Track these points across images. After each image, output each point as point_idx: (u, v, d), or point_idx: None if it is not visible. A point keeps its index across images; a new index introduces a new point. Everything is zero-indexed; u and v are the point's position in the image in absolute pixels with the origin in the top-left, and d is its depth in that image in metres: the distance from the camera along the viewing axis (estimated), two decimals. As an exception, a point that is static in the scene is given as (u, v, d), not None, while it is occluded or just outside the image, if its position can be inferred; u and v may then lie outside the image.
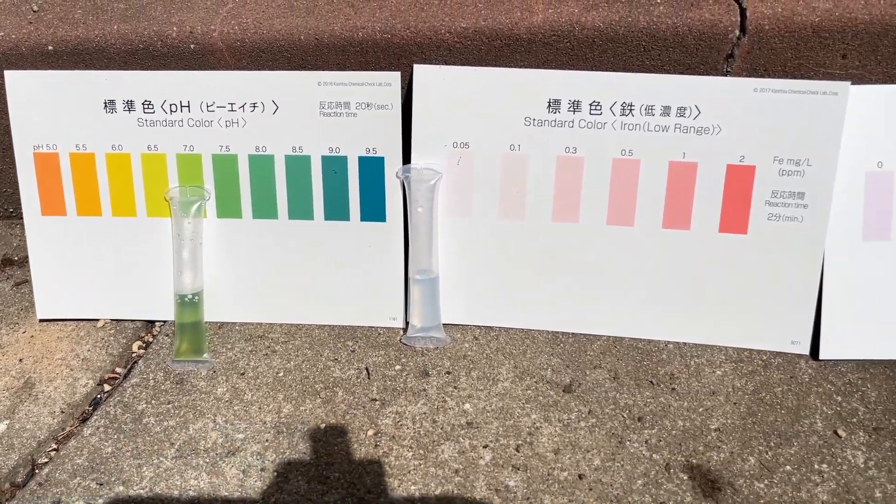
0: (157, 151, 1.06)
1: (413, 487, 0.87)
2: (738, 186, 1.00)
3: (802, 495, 0.87)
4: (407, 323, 1.09)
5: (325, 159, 1.05)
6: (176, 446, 0.94)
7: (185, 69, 1.10)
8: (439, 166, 1.04)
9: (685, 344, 1.07)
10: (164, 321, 1.13)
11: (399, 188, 1.05)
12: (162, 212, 1.07)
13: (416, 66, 1.02)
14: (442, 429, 0.95)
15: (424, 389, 1.01)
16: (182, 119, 1.04)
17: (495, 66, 1.06)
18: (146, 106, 1.04)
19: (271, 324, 1.12)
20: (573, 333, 1.09)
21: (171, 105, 1.04)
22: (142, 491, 0.88)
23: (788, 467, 0.90)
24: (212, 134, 1.04)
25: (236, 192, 1.06)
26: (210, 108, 1.03)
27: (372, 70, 1.09)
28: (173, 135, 1.05)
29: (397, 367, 1.04)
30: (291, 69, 1.10)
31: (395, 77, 1.01)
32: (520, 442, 0.93)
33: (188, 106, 1.04)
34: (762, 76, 1.05)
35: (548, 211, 1.04)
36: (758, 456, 0.91)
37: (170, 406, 0.99)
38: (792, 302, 1.03)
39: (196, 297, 1.06)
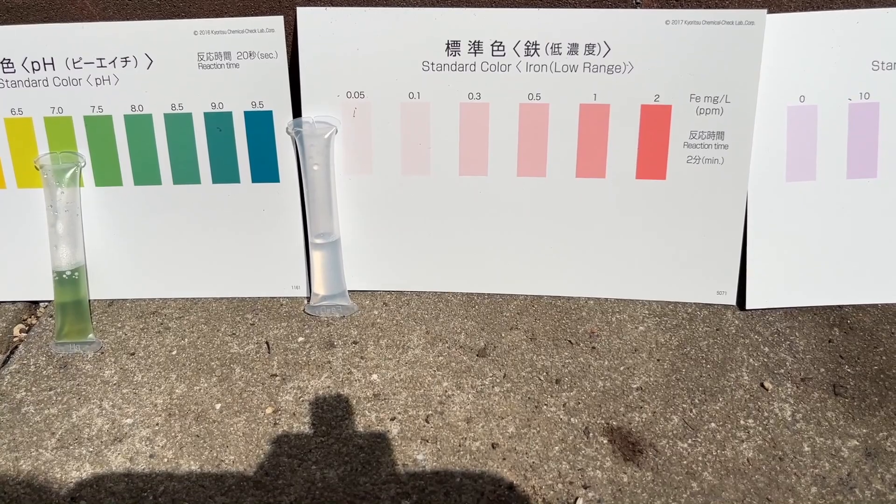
0: (21, 115, 0.96)
1: (314, 468, 0.81)
2: (654, 128, 0.94)
3: (727, 453, 0.82)
4: (311, 291, 1.02)
5: (207, 116, 0.96)
6: (57, 436, 0.86)
7: (45, 22, 1.00)
8: (333, 119, 0.96)
9: (606, 300, 1.02)
10: (49, 301, 1.05)
11: (291, 145, 0.97)
12: (35, 182, 0.98)
13: (299, 9, 0.93)
14: (347, 403, 0.89)
15: (329, 362, 0.94)
16: (47, 78, 0.94)
17: (387, 5, 0.97)
18: (5, 65, 0.94)
19: (165, 299, 1.04)
20: (489, 294, 1.03)
21: (32, 63, 0.94)
22: (18, 486, 0.81)
23: (713, 424, 0.85)
24: (81, 93, 0.95)
25: (114, 157, 0.98)
26: (77, 65, 0.94)
27: (252, 15, 1.00)
28: (38, 96, 0.95)
29: (300, 340, 0.97)
30: (163, 18, 1.00)
31: (277, 22, 0.93)
32: (430, 412, 0.87)
33: (52, 63, 0.94)
34: (674, 7, 0.98)
35: (454, 164, 0.97)
36: (681, 414, 0.86)
37: (52, 393, 0.91)
38: (716, 250, 0.97)
39: (76, 274, 0.97)
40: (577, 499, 0.78)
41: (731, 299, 0.99)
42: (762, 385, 0.89)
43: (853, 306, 0.99)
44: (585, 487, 0.79)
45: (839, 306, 0.99)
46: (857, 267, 0.97)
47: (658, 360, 0.93)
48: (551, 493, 0.78)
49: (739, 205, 0.96)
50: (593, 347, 0.95)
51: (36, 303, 1.05)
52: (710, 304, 1.00)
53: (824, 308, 0.99)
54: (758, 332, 0.96)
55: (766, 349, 0.94)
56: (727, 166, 0.94)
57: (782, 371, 0.91)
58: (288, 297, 1.03)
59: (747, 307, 0.98)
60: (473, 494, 0.78)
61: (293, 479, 0.80)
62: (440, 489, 0.79)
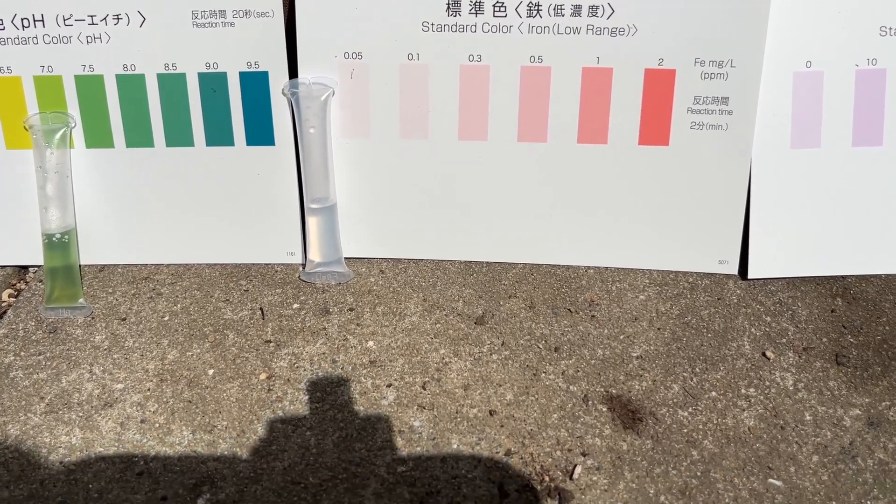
0: (10, 74, 0.93)
1: (308, 434, 0.80)
2: (657, 93, 0.92)
3: (728, 422, 0.81)
4: (306, 258, 1.00)
5: (202, 77, 0.94)
6: (46, 400, 0.84)
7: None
8: (330, 80, 0.94)
9: (606, 269, 1.00)
10: (39, 266, 1.02)
11: (287, 107, 0.95)
12: (24, 143, 0.95)
13: (297, -34, 0.91)
14: (342, 369, 0.87)
15: (324, 328, 0.92)
16: (36, 35, 0.92)
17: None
18: (-6, 22, 0.93)
19: (157, 265, 1.02)
20: (487, 262, 1.01)
21: (22, 20, 0.91)
22: (6, 451, 0.79)
23: (714, 393, 0.84)
24: (72, 52, 0.93)
25: (105, 118, 0.95)
26: (67, 22, 0.91)
27: (249, -28, 0.98)
28: (28, 54, 0.93)
29: (295, 306, 0.95)
30: (157, -27, 0.99)
31: (274, -21, 0.91)
32: (427, 379, 0.86)
33: (42, 20, 0.91)
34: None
35: (453, 128, 0.95)
36: (682, 383, 0.85)
37: (41, 357, 0.89)
38: (718, 219, 0.96)
39: (66, 237, 0.95)
40: (575, 466, 0.77)
41: (734, 269, 0.97)
42: (764, 354, 0.88)
43: (856, 276, 0.98)
44: (584, 455, 0.78)
45: (842, 276, 0.98)
46: (860, 236, 0.95)
47: (658, 328, 0.92)
48: (549, 460, 0.77)
49: (743, 172, 0.94)
50: (593, 316, 0.93)
51: (25, 268, 1.03)
52: (711, 274, 0.98)
53: (827, 278, 0.98)
54: (760, 302, 0.95)
55: (768, 319, 0.93)
56: (731, 133, 0.93)
57: (784, 340, 0.90)
58: (283, 264, 1.01)
59: (749, 277, 0.96)
60: (470, 461, 0.77)
61: (287, 444, 0.79)
62: (437, 455, 0.78)
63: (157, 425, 0.81)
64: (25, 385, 0.86)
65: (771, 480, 0.76)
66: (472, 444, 0.79)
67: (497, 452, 0.78)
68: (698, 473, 0.76)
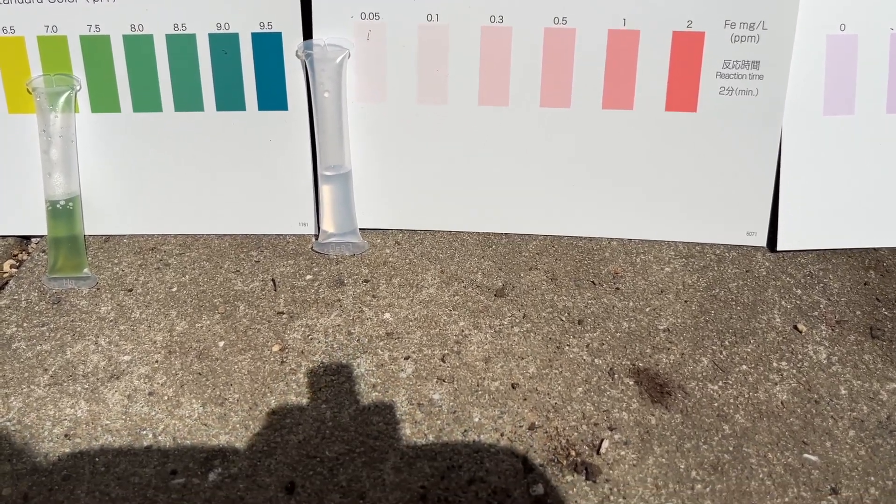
0: (13, 34, 0.90)
1: (324, 406, 0.76)
2: (685, 57, 0.89)
3: (760, 396, 0.78)
4: (319, 228, 0.97)
5: (212, 38, 0.91)
6: (50, 372, 0.81)
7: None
8: (346, 42, 0.90)
9: (630, 241, 0.97)
10: (42, 236, 0.99)
11: (301, 70, 0.92)
12: (27, 107, 0.92)
13: (312, -78, 0.88)
14: (358, 341, 0.84)
15: (339, 300, 0.89)
16: (41, -7, 0.89)
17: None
18: (-3, -21, 0.89)
19: (165, 235, 0.99)
20: (506, 234, 0.98)
21: (26, -23, 0.89)
22: (8, 423, 0.75)
23: (744, 367, 0.81)
24: (77, 11, 0.89)
25: (112, 81, 0.92)
26: (73, -20, 0.89)
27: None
28: (31, 13, 0.89)
29: (308, 278, 0.92)
30: (167, -71, 0.95)
31: (289, -65, 0.87)
32: (446, 352, 0.83)
33: (47, -23, 0.89)
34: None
35: (473, 92, 0.92)
36: (711, 356, 0.82)
37: (44, 329, 0.86)
38: (747, 188, 0.93)
39: (70, 204, 0.92)
40: (602, 440, 0.74)
41: (762, 241, 0.94)
42: (795, 327, 0.85)
43: (889, 248, 0.95)
44: (611, 429, 0.75)
45: (874, 248, 0.95)
46: (894, 207, 0.93)
47: (685, 301, 0.89)
48: (575, 434, 0.74)
49: (773, 140, 0.91)
50: (617, 288, 0.90)
51: (28, 238, 0.99)
52: (738, 246, 0.95)
53: (859, 250, 0.95)
54: (789, 275, 0.92)
55: (799, 291, 0.90)
56: (762, 98, 0.89)
57: (816, 314, 0.87)
58: (295, 235, 0.98)
59: (778, 249, 0.93)
60: (493, 434, 0.74)
61: (301, 417, 0.76)
62: (457, 429, 0.74)
63: (166, 398, 0.78)
64: (28, 357, 0.83)
65: (806, 455, 0.73)
66: (495, 417, 0.76)
67: (520, 426, 0.75)
68: (730, 448, 0.73)
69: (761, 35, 0.88)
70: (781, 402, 0.78)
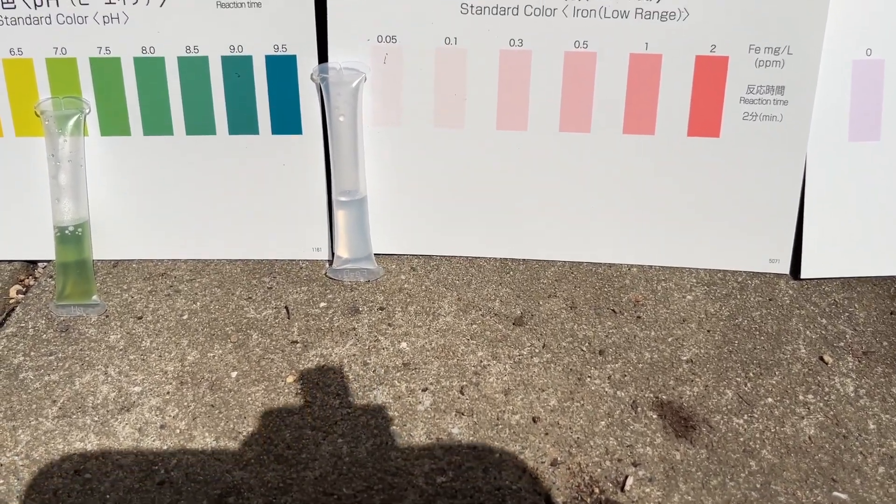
0: (21, 56, 0.88)
1: (340, 441, 0.75)
2: (708, 81, 0.87)
3: (787, 430, 0.76)
4: (333, 254, 0.95)
5: (225, 60, 0.89)
6: (59, 404, 0.79)
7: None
8: (362, 65, 0.89)
9: (651, 267, 0.95)
10: (49, 261, 0.97)
11: (316, 93, 0.90)
12: (35, 130, 0.90)
13: (329, -57, 0.86)
14: (374, 372, 0.82)
15: (354, 328, 0.87)
16: (49, 15, 0.87)
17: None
18: (5, 1, 0.87)
19: (175, 260, 0.97)
20: (524, 260, 0.96)
21: (35, -2, 0.87)
22: (17, 458, 0.74)
23: (770, 399, 0.79)
24: (87, 33, 0.88)
25: (122, 104, 0.90)
26: (83, 1, 0.86)
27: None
28: (41, 34, 0.88)
29: (322, 305, 0.90)
30: (180, -50, 0.94)
31: (305, -43, 0.86)
32: (464, 383, 0.81)
33: (56, -1, 0.87)
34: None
35: (491, 117, 0.90)
36: (735, 388, 0.80)
37: (52, 358, 0.84)
38: (770, 215, 0.91)
39: (79, 230, 0.90)
40: (627, 477, 0.72)
41: (785, 268, 0.93)
42: (821, 358, 0.83)
43: (915, 277, 0.94)
44: (635, 465, 0.73)
45: (900, 277, 0.94)
46: (920, 235, 0.91)
47: (708, 331, 0.87)
48: (599, 470, 0.72)
49: (798, 166, 0.89)
50: (638, 317, 0.89)
51: (34, 262, 0.98)
52: (761, 273, 0.94)
53: (885, 278, 0.93)
54: (814, 303, 0.90)
55: (824, 321, 0.88)
56: (786, 124, 0.88)
57: (842, 344, 0.85)
58: (308, 260, 0.96)
59: (802, 276, 0.92)
60: (514, 471, 0.72)
61: (317, 452, 0.74)
62: (478, 465, 0.73)
63: (178, 431, 0.76)
64: (36, 387, 0.81)
65: (836, 493, 0.71)
66: (516, 452, 0.74)
67: (542, 462, 0.73)
68: (758, 486, 0.72)
69: (786, 60, 0.86)
70: (809, 437, 0.76)
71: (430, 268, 0.96)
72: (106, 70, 0.90)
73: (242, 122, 0.92)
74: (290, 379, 0.82)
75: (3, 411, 0.78)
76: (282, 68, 0.90)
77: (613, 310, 0.90)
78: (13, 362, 0.84)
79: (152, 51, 0.89)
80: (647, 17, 0.86)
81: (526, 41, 0.88)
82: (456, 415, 0.78)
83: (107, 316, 0.89)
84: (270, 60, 0.90)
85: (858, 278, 0.93)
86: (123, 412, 0.79)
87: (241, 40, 0.89)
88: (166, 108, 0.91)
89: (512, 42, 0.88)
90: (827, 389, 0.81)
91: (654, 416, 0.78)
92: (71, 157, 0.89)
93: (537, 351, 0.85)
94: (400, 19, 0.88)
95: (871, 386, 0.81)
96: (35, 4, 0.87)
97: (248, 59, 0.90)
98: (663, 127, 0.90)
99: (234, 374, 0.82)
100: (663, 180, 0.92)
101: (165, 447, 0.75)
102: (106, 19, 0.88)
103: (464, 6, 0.87)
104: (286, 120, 0.91)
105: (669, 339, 0.86)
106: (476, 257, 0.97)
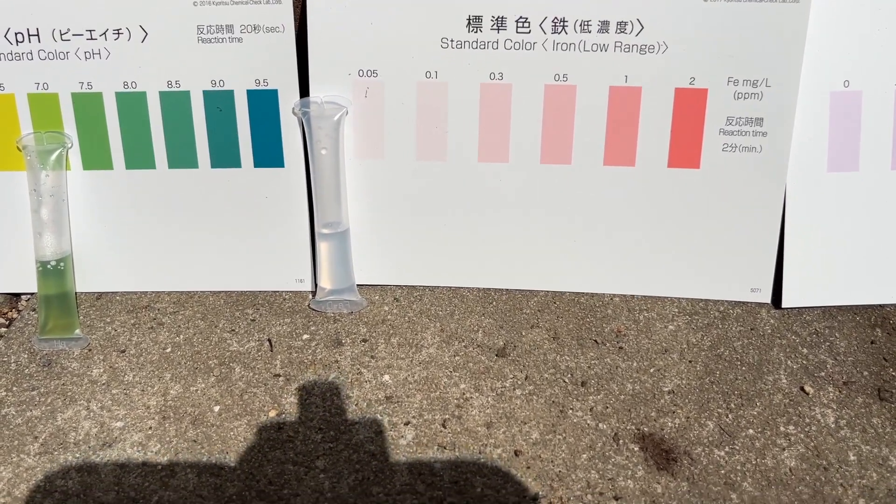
0: (3, 91, 0.88)
1: (322, 476, 0.75)
2: (688, 113, 0.88)
3: (768, 462, 0.76)
4: (316, 285, 0.96)
5: (207, 95, 0.89)
6: (40, 440, 0.79)
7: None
8: (343, 99, 0.89)
9: (633, 297, 0.95)
10: (32, 294, 0.97)
11: (298, 127, 0.90)
12: (17, 164, 0.90)
13: (309, -21, 0.87)
14: (357, 405, 0.82)
15: (337, 361, 0.87)
16: (31, 51, 0.87)
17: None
18: (-14, 37, 0.87)
19: (158, 292, 0.97)
20: (507, 290, 0.96)
21: (16, 34, 0.86)
22: (-3, 496, 0.74)
23: (751, 431, 0.79)
24: (69, 68, 0.88)
25: (104, 138, 0.90)
26: (65, 37, 0.87)
27: (258, -15, 0.94)
28: (22, 70, 0.88)
29: (305, 337, 0.90)
30: (160, -13, 0.94)
31: (285, -8, 0.86)
32: (447, 416, 0.81)
33: (37, 35, 0.86)
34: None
35: (472, 149, 0.90)
36: (717, 420, 0.81)
37: (34, 393, 0.84)
38: (750, 245, 0.91)
39: (61, 264, 0.90)
40: (608, 511, 0.72)
41: (766, 297, 0.93)
42: (802, 389, 0.84)
43: (895, 306, 0.95)
44: (617, 499, 0.73)
45: (881, 305, 0.93)
46: (899, 264, 0.92)
47: (690, 361, 0.87)
48: (580, 504, 0.73)
49: (778, 196, 0.90)
50: (620, 347, 0.89)
51: (17, 295, 0.97)
52: (743, 303, 0.94)
53: (865, 307, 0.93)
54: (795, 333, 0.91)
55: (805, 350, 0.88)
56: (765, 155, 0.88)
57: (823, 374, 0.86)
58: (291, 292, 0.97)
59: (783, 305, 0.92)
60: (496, 507, 0.73)
61: (300, 488, 0.74)
62: (460, 500, 0.73)
63: (160, 467, 0.76)
64: (18, 423, 0.81)
65: (816, 527, 0.72)
66: (497, 487, 0.74)
67: (524, 497, 0.73)
68: (739, 519, 0.72)
69: (764, 92, 0.87)
70: (790, 469, 0.76)
71: (413, 298, 0.96)
72: (88, 105, 0.90)
73: (224, 156, 0.92)
74: (272, 413, 0.82)
75: (-16, 448, 0.79)
76: (263, 102, 0.90)
77: (596, 340, 0.90)
78: (-5, 398, 0.84)
79: (134, 85, 0.89)
80: (627, 50, 0.86)
81: (506, 75, 0.88)
82: (438, 449, 0.78)
83: (90, 350, 0.89)
84: (252, 95, 0.90)
85: (839, 307, 0.94)
86: (105, 448, 0.78)
87: (222, 75, 0.89)
88: (148, 142, 0.91)
89: (492, 76, 0.88)
90: (808, 420, 0.81)
91: (636, 449, 0.78)
92: (53, 191, 0.89)
93: (520, 383, 0.85)
94: (381, 54, 0.88)
95: (851, 416, 0.81)
96: (17, 41, 0.87)
97: (230, 94, 0.90)
98: (644, 158, 0.90)
99: (216, 409, 0.82)
100: (644, 211, 0.92)
101: (147, 484, 0.75)
102: (87, 55, 0.88)
103: (444, 40, 0.87)
104: (268, 153, 0.92)
105: (651, 370, 0.86)
106: (459, 287, 0.97)
